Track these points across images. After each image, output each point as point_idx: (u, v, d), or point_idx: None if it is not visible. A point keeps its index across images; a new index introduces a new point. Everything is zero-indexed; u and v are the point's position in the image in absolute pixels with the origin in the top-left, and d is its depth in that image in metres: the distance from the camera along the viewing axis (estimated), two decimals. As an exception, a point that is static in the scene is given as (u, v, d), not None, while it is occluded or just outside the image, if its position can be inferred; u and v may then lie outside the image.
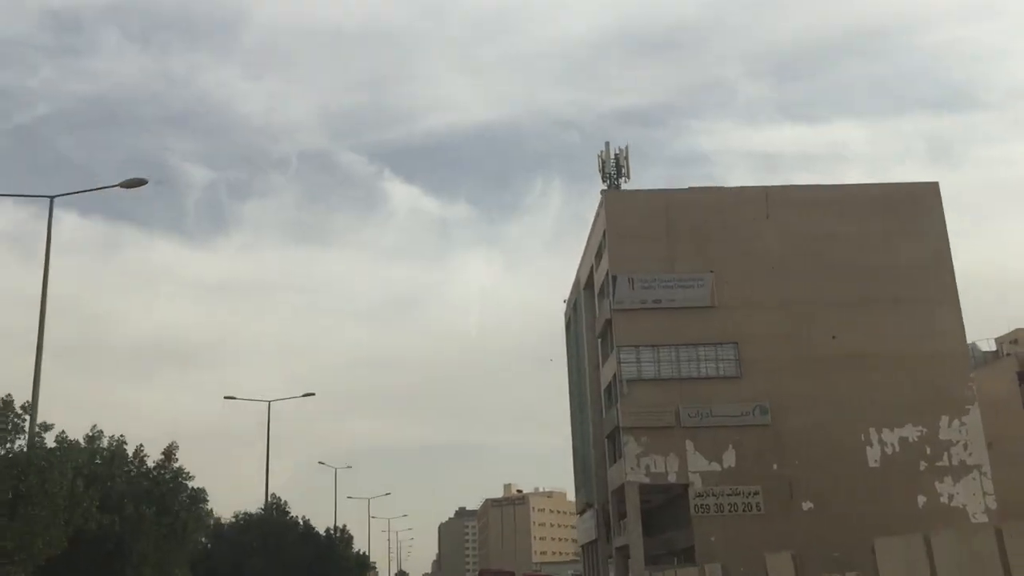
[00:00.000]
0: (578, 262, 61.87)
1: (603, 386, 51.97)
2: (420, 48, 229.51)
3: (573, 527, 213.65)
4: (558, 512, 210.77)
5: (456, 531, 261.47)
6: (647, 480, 45.42)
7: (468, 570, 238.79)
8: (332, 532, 55.85)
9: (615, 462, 49.65)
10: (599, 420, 56.46)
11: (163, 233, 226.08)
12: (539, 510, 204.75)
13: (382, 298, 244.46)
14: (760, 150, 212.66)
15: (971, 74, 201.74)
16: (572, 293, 63.87)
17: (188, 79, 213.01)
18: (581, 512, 63.39)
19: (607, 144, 54.85)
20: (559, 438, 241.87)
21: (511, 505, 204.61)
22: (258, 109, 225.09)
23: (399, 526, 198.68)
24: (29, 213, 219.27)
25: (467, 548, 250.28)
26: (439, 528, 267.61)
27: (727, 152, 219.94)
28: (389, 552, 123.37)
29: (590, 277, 56.77)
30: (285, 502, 52.54)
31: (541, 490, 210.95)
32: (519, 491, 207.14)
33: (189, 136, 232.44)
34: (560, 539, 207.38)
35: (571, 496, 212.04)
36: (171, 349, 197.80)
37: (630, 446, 45.74)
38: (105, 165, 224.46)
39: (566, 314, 68.61)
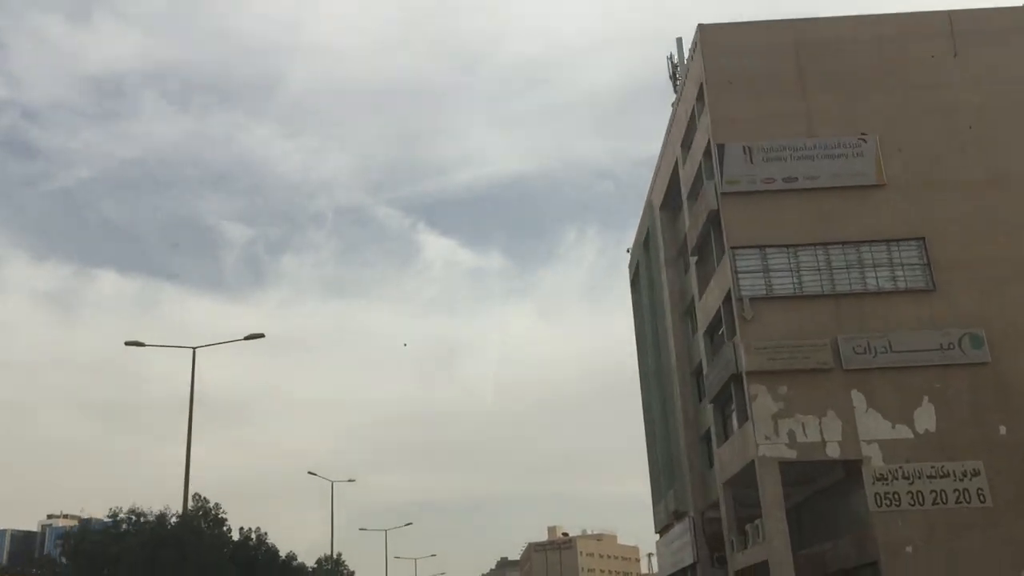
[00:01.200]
0: (647, 188, 44.84)
1: (702, 326, 34.43)
2: (453, 102, 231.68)
3: (626, 574, 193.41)
4: (608, 557, 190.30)
5: None
6: (792, 455, 27.66)
7: None
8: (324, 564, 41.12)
9: (728, 437, 32.07)
10: (691, 386, 38.79)
11: (203, 290, 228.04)
12: (587, 554, 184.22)
13: (420, 351, 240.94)
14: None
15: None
16: (641, 228, 46.56)
17: (226, 139, 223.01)
18: (662, 531, 45.40)
19: (678, 40, 38.53)
20: (605, 482, 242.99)
21: (556, 549, 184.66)
22: (295, 166, 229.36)
23: None
24: (69, 271, 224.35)
25: None
26: None
27: None
28: None
29: (670, 187, 39.67)
30: (216, 505, 37.10)
31: (589, 532, 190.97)
32: (564, 534, 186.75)
33: (227, 194, 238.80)
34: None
35: (622, 539, 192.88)
36: (212, 405, 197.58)
37: (761, 402, 28.14)
38: (146, 225, 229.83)
39: (631, 267, 51.32)
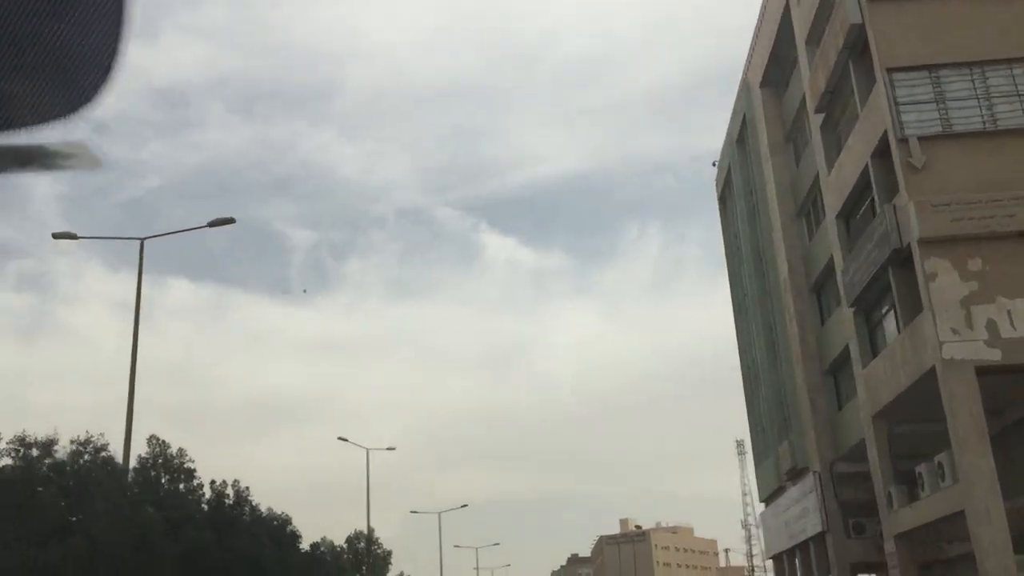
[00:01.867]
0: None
1: (834, 210, 25.30)
2: (509, 101, 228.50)
3: (704, 568, 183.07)
4: (685, 550, 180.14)
5: None
6: (994, 356, 18.68)
7: None
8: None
9: (877, 353, 23.06)
10: (809, 304, 29.75)
11: (270, 295, 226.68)
12: (662, 547, 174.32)
13: (484, 350, 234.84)
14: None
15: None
16: (734, 121, 37.43)
17: (289, 145, 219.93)
18: (768, 498, 36.32)
19: None
20: (677, 482, 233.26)
21: (629, 543, 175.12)
22: (355, 170, 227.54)
23: (504, 573, 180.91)
24: (146, 281, 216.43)
25: None
26: None
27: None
28: None
29: (772, 56, 30.73)
30: (181, 451, 29.11)
31: (664, 525, 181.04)
32: (638, 527, 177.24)
33: (291, 200, 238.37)
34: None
35: (699, 532, 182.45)
36: (281, 408, 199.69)
37: (943, 284, 19.17)
38: (215, 233, 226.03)
39: (718, 183, 42.32)
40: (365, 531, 46.89)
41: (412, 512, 70.99)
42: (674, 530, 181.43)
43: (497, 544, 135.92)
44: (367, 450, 47.25)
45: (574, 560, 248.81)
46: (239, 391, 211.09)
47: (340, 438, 47.41)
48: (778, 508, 34.17)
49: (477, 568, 79.48)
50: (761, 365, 35.12)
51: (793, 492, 31.46)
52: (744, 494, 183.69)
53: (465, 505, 78.32)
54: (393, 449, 51.55)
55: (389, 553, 40.11)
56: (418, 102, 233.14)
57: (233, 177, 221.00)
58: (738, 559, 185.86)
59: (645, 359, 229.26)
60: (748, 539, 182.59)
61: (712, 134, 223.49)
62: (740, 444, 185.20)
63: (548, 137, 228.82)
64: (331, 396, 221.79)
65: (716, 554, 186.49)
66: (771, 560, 37.08)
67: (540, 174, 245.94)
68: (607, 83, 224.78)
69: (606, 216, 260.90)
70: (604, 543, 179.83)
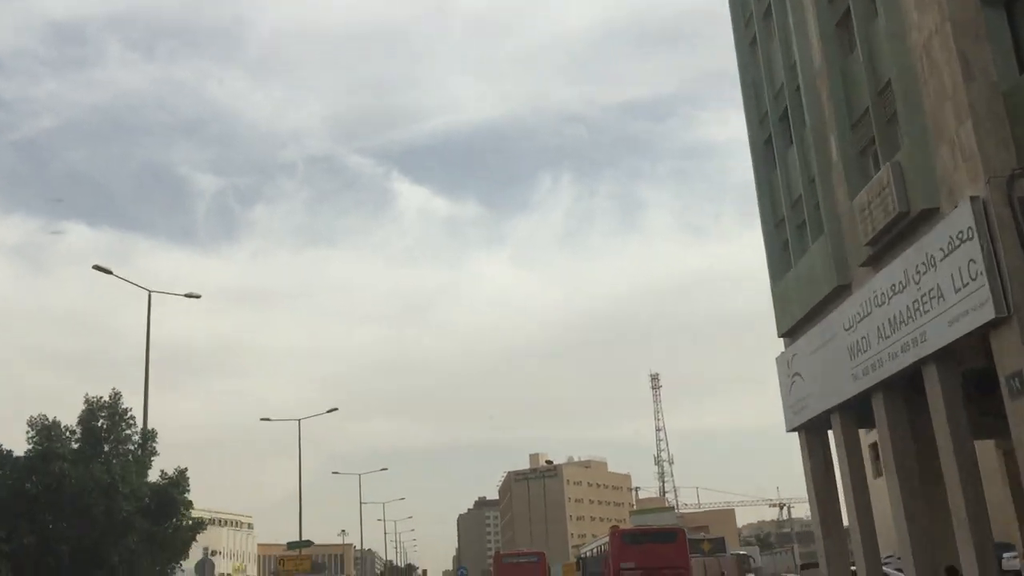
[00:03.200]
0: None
1: None
2: (423, 48, 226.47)
3: (617, 503, 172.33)
4: (597, 485, 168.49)
5: (476, 522, 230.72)
6: None
7: (490, 561, 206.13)
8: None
9: None
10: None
11: (173, 242, 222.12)
12: (574, 483, 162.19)
13: (395, 300, 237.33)
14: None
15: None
16: None
17: (194, 87, 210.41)
18: (798, 326, 21.59)
19: None
20: (586, 428, 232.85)
21: (539, 478, 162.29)
22: (264, 115, 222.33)
23: (403, 527, 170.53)
24: (37, 225, 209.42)
25: (489, 538, 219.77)
26: (458, 520, 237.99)
27: (738, 142, 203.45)
28: (396, 549, 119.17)
29: None
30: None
31: (576, 460, 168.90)
32: (548, 461, 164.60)
33: (196, 144, 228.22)
34: (601, 518, 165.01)
35: (612, 466, 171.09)
36: (185, 358, 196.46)
37: None
38: (115, 176, 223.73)
39: None
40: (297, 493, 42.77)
41: (334, 473, 77.35)
42: (587, 465, 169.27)
43: (403, 499, 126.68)
44: (298, 421, 44.26)
45: (481, 503, 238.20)
46: (141, 341, 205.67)
47: (263, 419, 46.49)
48: (831, 330, 19.38)
49: (383, 520, 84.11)
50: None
51: (890, 273, 16.57)
52: (658, 429, 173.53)
53: (385, 468, 78.71)
54: (335, 410, 49.58)
55: (152, 433, 25.11)
56: (329, 47, 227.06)
57: (134, 118, 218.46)
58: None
59: (558, 309, 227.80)
60: (660, 475, 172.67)
61: (625, 86, 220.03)
62: (655, 378, 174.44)
63: (461, 86, 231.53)
64: (238, 347, 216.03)
65: (631, 490, 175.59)
66: (800, 433, 22.41)
67: (453, 123, 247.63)
68: (520, 32, 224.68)
69: (519, 166, 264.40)
70: (512, 480, 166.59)
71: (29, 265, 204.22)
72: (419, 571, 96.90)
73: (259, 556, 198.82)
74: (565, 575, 77.72)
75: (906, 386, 17.29)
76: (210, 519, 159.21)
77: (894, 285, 16.46)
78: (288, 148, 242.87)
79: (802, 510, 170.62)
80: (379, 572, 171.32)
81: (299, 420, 45.75)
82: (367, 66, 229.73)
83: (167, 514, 24.77)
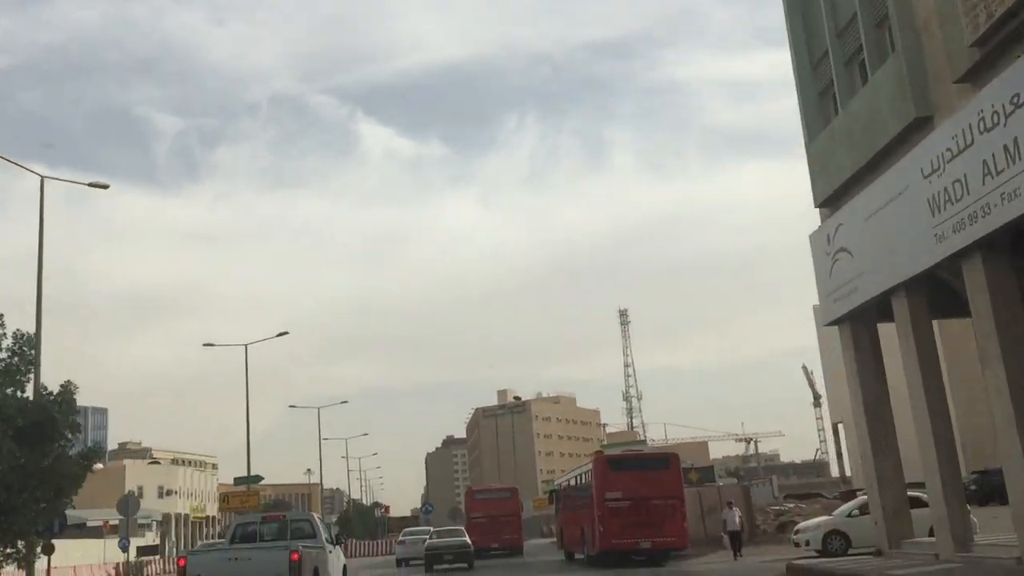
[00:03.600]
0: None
1: None
2: None
3: (586, 439, 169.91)
4: (566, 421, 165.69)
5: (444, 460, 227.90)
6: None
7: (459, 501, 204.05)
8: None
9: None
10: None
11: (135, 184, 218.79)
12: (543, 418, 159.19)
13: (361, 241, 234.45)
14: (735, 78, 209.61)
15: None
16: None
17: (151, 25, 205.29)
18: (843, 188, 16.72)
19: None
20: (555, 367, 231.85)
21: (508, 414, 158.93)
22: (225, 54, 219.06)
23: (368, 464, 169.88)
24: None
25: (457, 476, 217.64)
26: (425, 459, 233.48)
27: (702, 80, 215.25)
28: (361, 487, 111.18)
29: None
30: None
31: (545, 395, 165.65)
32: (517, 397, 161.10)
33: (156, 84, 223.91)
34: (570, 454, 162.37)
35: (581, 403, 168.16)
36: (149, 301, 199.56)
37: None
38: (72, 117, 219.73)
39: None
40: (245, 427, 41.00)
41: (291, 407, 71.16)
42: (556, 400, 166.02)
43: (366, 435, 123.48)
44: (245, 346, 43.07)
45: (449, 442, 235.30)
46: (105, 285, 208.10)
47: (206, 344, 46.14)
48: (901, 181, 14.50)
49: (347, 457, 78.59)
50: None
51: (1013, 80, 11.63)
52: (626, 365, 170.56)
53: (345, 401, 79.58)
54: (286, 333, 48.11)
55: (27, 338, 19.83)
56: None
57: (90, 57, 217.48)
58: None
59: (524, 248, 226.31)
60: (629, 411, 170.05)
61: (590, 26, 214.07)
62: (623, 313, 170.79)
63: (425, 24, 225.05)
64: (204, 289, 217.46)
65: (600, 425, 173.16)
66: (843, 327, 17.60)
67: (417, 62, 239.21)
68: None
69: (484, 106, 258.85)
70: (480, 416, 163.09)
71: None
72: (381, 509, 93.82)
73: (219, 496, 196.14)
74: (537, 508, 74.31)
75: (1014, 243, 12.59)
76: (172, 459, 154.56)
77: (1017, 96, 11.56)
78: (251, 88, 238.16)
79: (767, 445, 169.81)
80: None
81: (246, 345, 42.84)
82: (329, 4, 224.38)
83: (47, 438, 19.63)
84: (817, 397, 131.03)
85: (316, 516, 18.88)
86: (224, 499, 40.78)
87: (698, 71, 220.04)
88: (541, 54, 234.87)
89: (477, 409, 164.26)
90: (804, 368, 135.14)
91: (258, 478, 42.38)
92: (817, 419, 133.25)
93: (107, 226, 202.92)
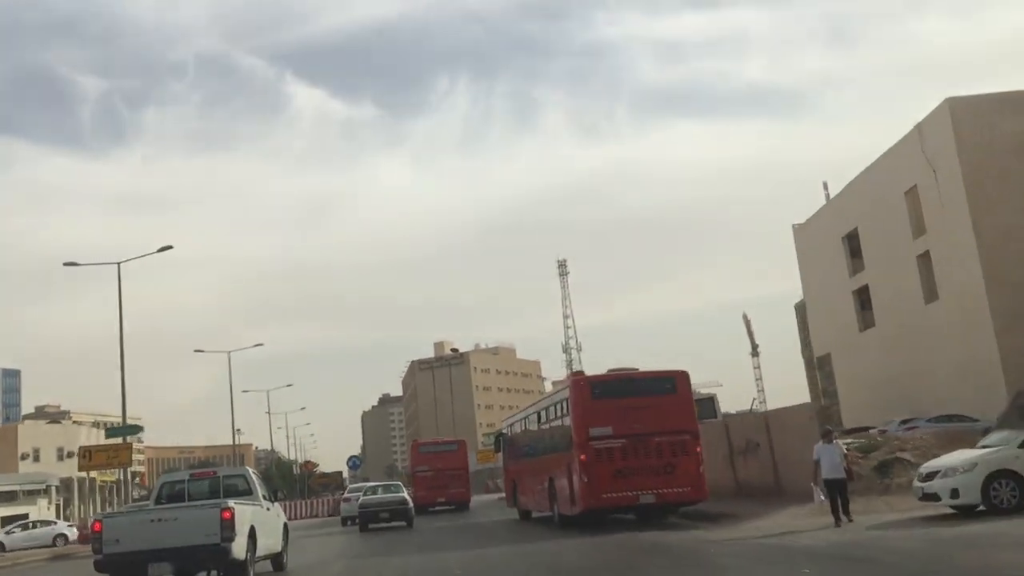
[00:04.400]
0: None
1: None
2: None
3: (527, 391, 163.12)
4: (506, 373, 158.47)
5: (380, 419, 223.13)
6: None
7: (396, 458, 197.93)
8: None
9: None
10: None
11: (58, 147, 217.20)
12: (482, 370, 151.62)
13: (294, 204, 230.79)
14: (664, 39, 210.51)
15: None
16: None
17: None
18: None
19: None
20: (490, 330, 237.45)
21: (445, 366, 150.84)
22: (147, 12, 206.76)
23: (296, 421, 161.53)
24: None
25: (394, 435, 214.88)
26: (361, 418, 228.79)
27: (632, 41, 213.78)
28: (289, 445, 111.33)
29: None
30: None
31: (483, 346, 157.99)
32: (454, 349, 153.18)
33: (76, 43, 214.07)
34: (511, 406, 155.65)
35: (525, 348, 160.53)
36: (78, 266, 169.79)
37: None
38: None
39: None
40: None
41: (196, 351, 63.74)
42: (495, 351, 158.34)
43: (290, 385, 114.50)
44: (117, 264, 38.45)
45: (385, 400, 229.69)
46: (29, 249, 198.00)
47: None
48: None
49: (269, 412, 79.58)
50: None
51: None
52: (566, 316, 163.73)
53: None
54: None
55: None
56: None
57: (6, 17, 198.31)
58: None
59: (458, 211, 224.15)
60: (569, 363, 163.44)
61: None
62: (562, 264, 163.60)
63: None
64: (133, 253, 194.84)
65: (541, 377, 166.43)
66: None
67: (347, 22, 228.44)
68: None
69: (416, 67, 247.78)
70: (417, 369, 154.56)
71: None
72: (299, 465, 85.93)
73: (147, 459, 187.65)
74: (481, 460, 66.83)
75: None
76: (93, 422, 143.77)
77: None
78: (176, 48, 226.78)
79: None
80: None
81: (118, 264, 37.63)
82: None
83: None
84: (755, 347, 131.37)
85: (251, 471, 16.84)
86: (85, 455, 31.81)
87: (628, 31, 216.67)
88: (472, 13, 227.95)
89: (413, 362, 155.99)
90: (744, 317, 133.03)
91: (136, 428, 33.72)
92: (755, 368, 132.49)
93: (31, 189, 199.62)
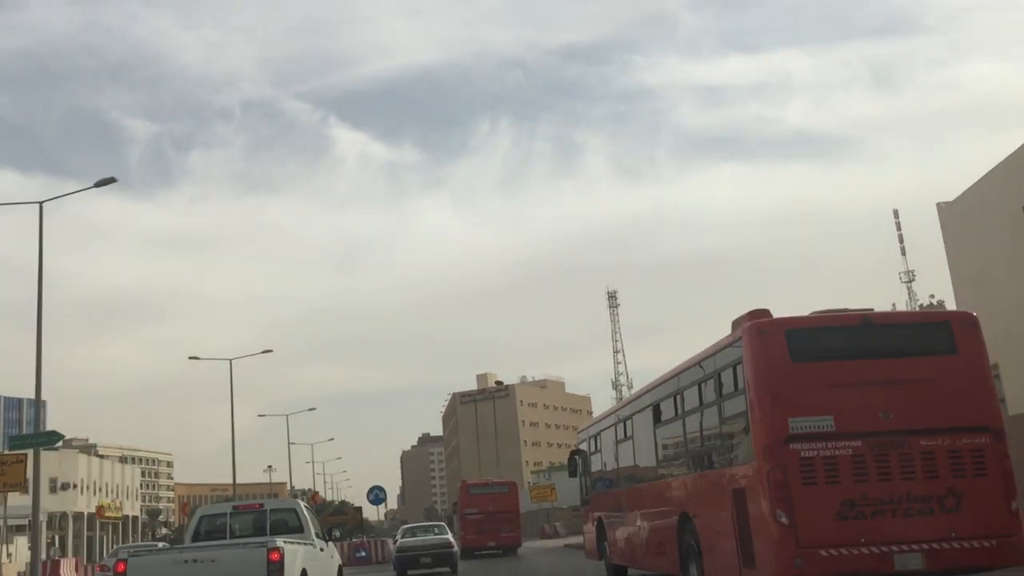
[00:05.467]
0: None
1: None
2: None
3: (576, 428, 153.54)
4: (554, 408, 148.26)
5: (420, 458, 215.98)
6: None
7: (436, 499, 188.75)
8: None
9: None
10: None
11: (108, 188, 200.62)
12: (528, 404, 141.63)
13: (335, 246, 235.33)
14: (705, 83, 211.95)
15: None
16: None
17: (121, 30, 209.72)
18: None
19: None
20: (531, 370, 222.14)
21: (488, 399, 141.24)
22: (196, 58, 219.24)
23: (325, 455, 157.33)
24: None
25: (433, 476, 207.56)
26: (401, 458, 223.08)
27: (673, 87, 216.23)
28: (326, 489, 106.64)
29: None
30: None
31: (530, 379, 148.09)
32: (499, 382, 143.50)
33: (127, 89, 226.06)
34: (559, 444, 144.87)
35: (571, 387, 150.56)
36: (124, 305, 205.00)
37: None
38: (44, 123, 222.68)
39: None
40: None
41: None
42: (543, 384, 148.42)
43: (312, 409, 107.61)
44: (230, 360, 44.89)
45: (425, 439, 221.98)
46: (77, 289, 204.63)
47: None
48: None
49: (312, 462, 76.33)
50: None
51: None
52: (616, 351, 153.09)
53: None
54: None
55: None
56: None
57: (61, 62, 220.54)
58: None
59: (499, 252, 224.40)
60: (619, 401, 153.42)
61: (562, 30, 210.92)
62: (612, 296, 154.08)
63: (397, 29, 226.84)
64: (177, 293, 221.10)
65: (591, 413, 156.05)
66: None
67: (390, 67, 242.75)
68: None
69: (457, 111, 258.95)
70: (458, 402, 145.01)
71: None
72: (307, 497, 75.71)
73: (177, 496, 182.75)
74: (536, 499, 57.47)
75: None
76: (120, 456, 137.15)
77: None
78: (223, 93, 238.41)
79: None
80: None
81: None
82: (301, 7, 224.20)
83: None
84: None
85: (303, 504, 14.60)
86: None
87: (667, 75, 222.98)
88: (512, 59, 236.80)
89: (454, 394, 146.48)
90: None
91: (54, 436, 24.67)
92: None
93: (80, 230, 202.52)
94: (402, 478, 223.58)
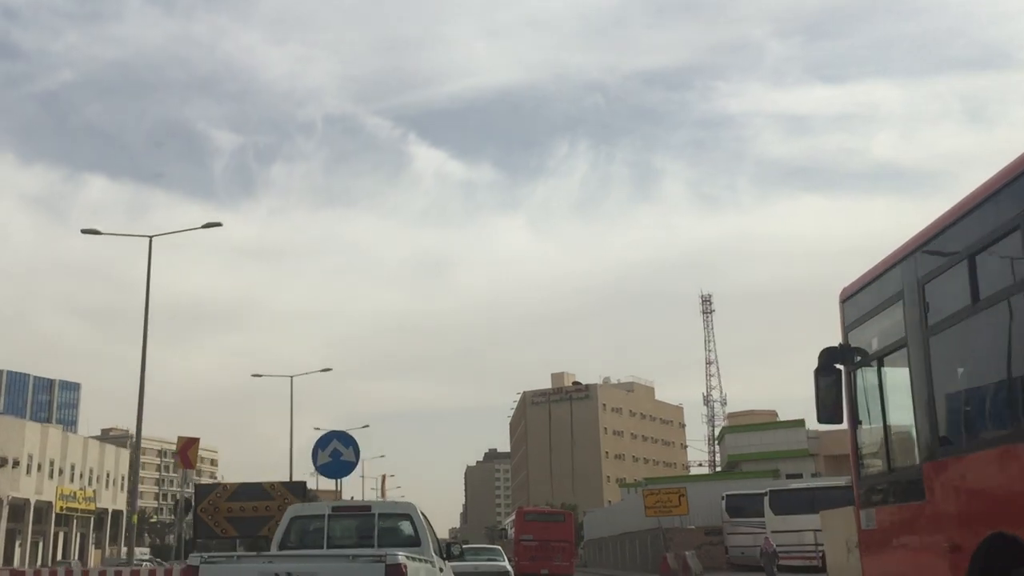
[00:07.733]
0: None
1: None
2: (442, 10, 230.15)
3: (666, 442, 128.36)
4: (641, 415, 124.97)
5: (485, 474, 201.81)
6: None
7: (500, 516, 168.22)
8: None
9: None
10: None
11: (192, 197, 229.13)
12: (612, 409, 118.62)
13: (410, 262, 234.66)
14: (789, 112, 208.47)
15: (1005, 32, 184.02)
16: None
17: (211, 44, 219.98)
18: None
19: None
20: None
21: (565, 400, 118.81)
22: (281, 73, 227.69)
23: (382, 469, 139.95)
24: (59, 176, 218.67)
25: (498, 491, 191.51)
26: (465, 474, 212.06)
27: (755, 114, 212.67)
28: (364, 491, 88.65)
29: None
30: None
31: (615, 381, 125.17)
32: (577, 382, 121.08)
33: (214, 101, 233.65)
34: (645, 459, 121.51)
35: (662, 393, 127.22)
36: (201, 313, 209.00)
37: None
38: (133, 131, 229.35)
39: None
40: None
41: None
42: (629, 388, 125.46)
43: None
44: (291, 377, 45.48)
45: (491, 455, 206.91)
46: (159, 295, 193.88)
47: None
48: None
49: (363, 476, 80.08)
50: None
51: None
52: (708, 363, 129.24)
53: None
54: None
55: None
56: (346, 6, 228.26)
57: (152, 74, 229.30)
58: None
59: (574, 274, 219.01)
60: (711, 419, 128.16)
61: (643, 55, 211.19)
62: (706, 300, 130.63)
63: (480, 50, 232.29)
64: (253, 304, 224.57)
65: (683, 425, 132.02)
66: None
67: (471, 87, 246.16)
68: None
69: (535, 132, 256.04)
70: (529, 402, 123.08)
71: (51, 215, 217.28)
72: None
73: None
74: (653, 512, 35.39)
75: None
76: (159, 450, 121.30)
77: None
78: (306, 107, 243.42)
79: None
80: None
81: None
82: (386, 27, 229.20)
83: None
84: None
85: (419, 510, 11.34)
86: None
87: (750, 103, 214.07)
88: (592, 82, 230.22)
89: (524, 393, 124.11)
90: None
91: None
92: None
93: (164, 239, 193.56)
94: (465, 495, 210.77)
